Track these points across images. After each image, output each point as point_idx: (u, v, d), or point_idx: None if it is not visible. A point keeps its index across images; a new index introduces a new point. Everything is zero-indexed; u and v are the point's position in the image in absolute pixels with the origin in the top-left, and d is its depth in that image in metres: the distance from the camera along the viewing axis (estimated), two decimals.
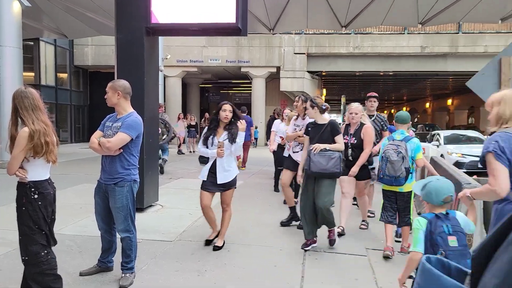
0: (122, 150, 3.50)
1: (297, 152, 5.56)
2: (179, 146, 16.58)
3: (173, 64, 21.38)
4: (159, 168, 10.54)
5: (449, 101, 34.52)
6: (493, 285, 0.70)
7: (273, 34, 14.01)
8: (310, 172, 4.39)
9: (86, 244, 4.56)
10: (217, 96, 29.32)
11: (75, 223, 5.44)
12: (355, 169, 4.98)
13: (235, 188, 4.59)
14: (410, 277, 2.38)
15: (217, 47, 21.79)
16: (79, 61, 22.88)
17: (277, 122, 7.93)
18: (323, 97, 28.97)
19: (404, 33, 20.72)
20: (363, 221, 5.55)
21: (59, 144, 3.02)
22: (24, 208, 2.81)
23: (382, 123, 6.02)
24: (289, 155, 5.78)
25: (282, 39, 21.66)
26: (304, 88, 21.45)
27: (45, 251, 2.88)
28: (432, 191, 2.35)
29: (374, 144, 5.65)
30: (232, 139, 4.36)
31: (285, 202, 6.76)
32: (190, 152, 16.48)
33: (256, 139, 20.78)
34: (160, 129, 10.12)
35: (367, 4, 9.53)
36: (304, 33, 21.42)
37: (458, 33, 20.40)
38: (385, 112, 54.96)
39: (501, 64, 4.20)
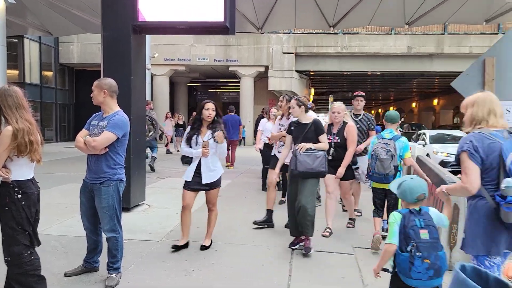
0: (108, 149, 3.46)
1: None
2: (166, 145, 16.49)
3: (160, 63, 21.22)
4: (150, 166, 10.57)
5: (435, 101, 34.98)
6: None
7: (262, 33, 14.01)
8: (296, 172, 4.35)
9: (72, 244, 4.50)
10: (205, 95, 29.19)
11: (60, 223, 5.37)
12: (341, 170, 4.99)
13: (220, 187, 4.55)
14: (385, 270, 2.51)
15: (205, 45, 21.71)
16: (65, 59, 22.57)
17: (263, 121, 7.93)
18: (311, 97, 29.12)
19: (391, 34, 20.93)
20: (350, 219, 5.56)
21: (43, 143, 2.97)
22: (7, 208, 2.76)
23: (369, 122, 6.03)
24: (275, 154, 5.74)
25: (270, 39, 21.68)
26: (293, 87, 21.51)
27: (28, 252, 2.83)
28: (407, 189, 2.50)
29: (359, 143, 5.69)
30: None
31: (280, 202, 6.77)
32: (178, 151, 16.39)
33: (243, 138, 20.80)
34: (146, 126, 10.09)
35: (355, 4, 9.59)
36: (293, 33, 21.48)
37: (444, 34, 20.68)
38: (372, 112, 55.46)
39: (485, 64, 4.27)
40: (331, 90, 32.81)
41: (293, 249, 4.52)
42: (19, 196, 2.77)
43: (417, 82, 27.79)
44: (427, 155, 12.04)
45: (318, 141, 4.50)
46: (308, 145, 4.38)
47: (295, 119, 4.74)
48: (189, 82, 27.42)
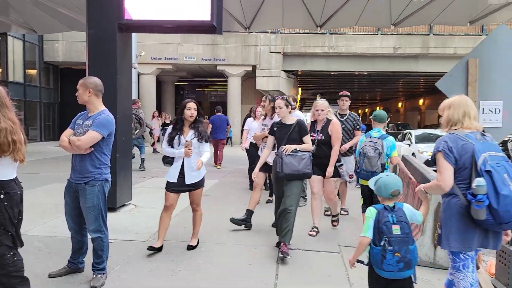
0: (93, 149, 3.43)
1: None
2: (152, 145, 16.37)
3: (147, 61, 21.05)
4: (140, 166, 10.57)
5: (421, 101, 35.41)
6: None
7: (249, 32, 13.99)
8: (282, 174, 4.27)
9: (56, 245, 4.44)
10: (192, 94, 29.07)
11: (45, 224, 5.29)
12: (330, 170, 4.98)
13: (203, 187, 4.47)
14: (360, 262, 2.64)
15: (192, 44, 21.60)
16: (49, 57, 22.22)
17: (249, 120, 7.93)
18: (299, 96, 29.25)
19: (377, 34, 21.12)
20: (333, 216, 5.48)
21: (27, 142, 2.92)
22: None
23: (354, 122, 6.04)
24: (259, 155, 5.63)
25: (258, 38, 21.69)
26: (280, 87, 21.55)
27: (11, 253, 2.78)
28: (382, 185, 2.63)
29: (344, 143, 5.72)
30: (200, 137, 4.25)
31: (267, 202, 6.78)
32: None
33: (229, 137, 20.80)
34: (133, 124, 10.05)
35: (342, 4, 9.64)
36: (280, 32, 21.52)
37: (429, 34, 20.95)
38: (359, 111, 55.92)
39: (468, 65, 4.33)
40: (319, 89, 33.00)
41: (280, 248, 4.52)
42: (2, 196, 2.72)
43: (403, 82, 28.10)
44: (413, 154, 12.19)
45: (302, 142, 4.47)
46: (293, 147, 4.32)
47: (278, 119, 4.69)
48: (176, 81, 27.27)
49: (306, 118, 6.71)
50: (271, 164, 4.74)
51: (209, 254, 4.36)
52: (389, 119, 38.85)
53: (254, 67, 21.92)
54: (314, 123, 5.21)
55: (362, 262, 2.63)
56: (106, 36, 5.79)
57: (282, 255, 4.16)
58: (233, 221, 5.25)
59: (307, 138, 4.50)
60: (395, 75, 24.44)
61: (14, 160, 2.78)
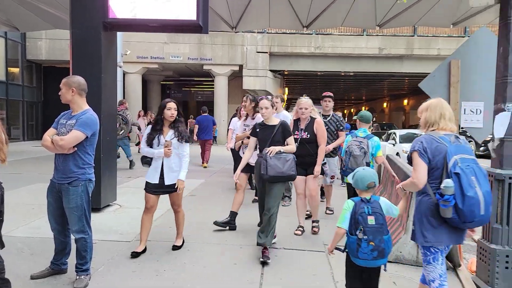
0: (76, 149, 3.39)
1: None
2: (137, 144, 16.23)
3: (133, 60, 20.86)
4: (133, 162, 10.54)
5: (405, 101, 35.86)
6: None
7: (236, 32, 13.98)
8: (267, 176, 4.17)
9: (38, 246, 4.37)
10: (179, 93, 28.92)
11: (27, 225, 5.21)
12: (318, 169, 4.96)
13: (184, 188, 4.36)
14: (338, 249, 2.85)
15: (178, 43, 21.47)
16: (32, 55, 21.84)
17: (235, 120, 7.91)
18: (285, 96, 29.34)
19: (363, 35, 21.31)
20: (314, 221, 5.33)
21: (8, 142, 2.88)
22: None
23: (337, 123, 6.03)
24: (241, 156, 5.57)
25: (244, 38, 21.68)
26: (267, 86, 21.59)
27: None
28: (359, 178, 2.83)
29: (327, 143, 5.74)
30: (180, 137, 4.18)
31: (253, 201, 6.78)
32: None
33: (215, 137, 20.75)
34: (118, 124, 9.99)
35: (328, 5, 9.70)
36: (267, 32, 21.55)
37: (413, 36, 21.23)
38: (345, 111, 56.38)
39: (451, 67, 4.41)
40: (305, 89, 33.14)
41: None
42: None
43: (388, 82, 28.41)
44: (397, 154, 12.35)
45: (285, 144, 4.41)
46: (277, 149, 4.25)
47: (261, 120, 4.64)
48: (162, 80, 27.08)
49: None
50: (253, 164, 4.69)
51: (195, 254, 4.35)
52: (374, 119, 39.37)
53: (241, 66, 21.91)
54: (297, 121, 5.15)
55: (339, 249, 2.83)
56: (90, 34, 5.72)
57: (263, 259, 4.12)
58: (217, 224, 5.22)
59: (291, 140, 4.46)
60: (380, 76, 24.72)
61: None
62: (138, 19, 5.81)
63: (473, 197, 2.51)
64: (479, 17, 9.69)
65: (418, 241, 2.79)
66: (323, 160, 5.12)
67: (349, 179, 2.96)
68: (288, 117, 6.17)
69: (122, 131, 10.13)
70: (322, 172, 5.11)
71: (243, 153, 5.52)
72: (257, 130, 4.52)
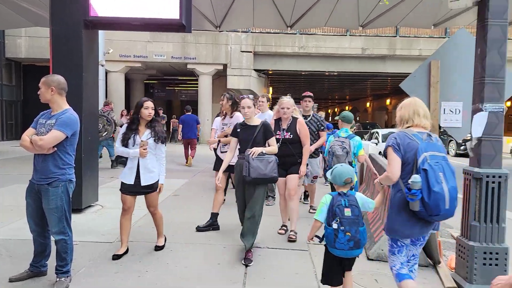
0: (56, 149, 3.33)
1: (225, 152, 5.24)
2: None
3: (115, 59, 20.60)
4: (115, 162, 10.41)
5: (388, 101, 36.34)
6: None
7: (220, 31, 13.94)
8: (250, 178, 4.07)
9: (17, 248, 4.29)
10: (162, 93, 28.69)
11: (6, 226, 5.10)
12: (303, 168, 4.90)
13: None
14: (317, 236, 3.01)
15: (162, 42, 21.30)
16: (11, 53, 21.33)
17: (218, 119, 7.87)
18: (270, 95, 29.35)
19: (346, 35, 21.50)
20: (283, 225, 5.21)
21: None
22: None
23: (318, 123, 5.95)
24: (218, 156, 5.49)
25: (229, 37, 21.64)
26: (251, 86, 21.59)
27: None
28: (336, 174, 3.01)
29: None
30: (157, 137, 4.11)
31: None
32: None
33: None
34: (101, 125, 9.87)
35: (311, 5, 9.76)
36: (251, 32, 21.55)
37: (396, 36, 21.52)
38: (329, 110, 56.80)
39: (430, 67, 4.49)
40: (289, 89, 33.26)
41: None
42: None
43: (371, 82, 28.75)
44: (380, 153, 12.49)
45: (267, 144, 4.33)
46: (260, 150, 4.15)
47: (240, 118, 4.56)
48: (145, 79, 26.81)
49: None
50: (233, 164, 4.60)
51: (178, 254, 4.33)
52: (357, 118, 39.76)
53: (225, 66, 21.86)
54: (278, 121, 5.07)
55: (318, 237, 3.00)
56: (71, 32, 5.62)
57: (244, 263, 4.10)
58: (200, 230, 5.17)
59: (273, 141, 4.35)
60: (363, 76, 24.99)
61: None
62: (120, 18, 5.73)
63: (439, 192, 2.63)
64: (459, 19, 9.89)
65: (391, 235, 2.92)
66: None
67: (328, 175, 3.13)
68: (272, 116, 6.17)
69: (106, 132, 10.01)
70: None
71: (221, 152, 5.48)
72: (238, 130, 4.40)
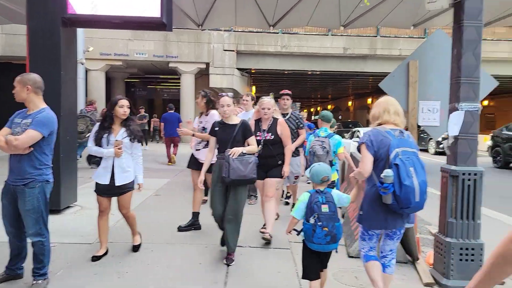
0: (32, 149, 3.26)
1: (199, 150, 5.26)
2: None
3: (95, 57, 20.24)
4: (87, 162, 10.24)
5: (369, 100, 36.74)
6: None
7: (202, 30, 13.86)
8: (229, 179, 3.97)
9: None
10: (144, 91, 28.39)
11: None
12: (286, 169, 4.83)
13: (133, 190, 4.18)
14: (295, 230, 3.10)
15: (143, 40, 21.06)
16: None
17: (197, 119, 7.83)
18: (253, 94, 29.34)
19: (328, 35, 21.64)
20: (264, 226, 5.03)
21: None
22: None
23: (297, 121, 5.85)
24: (192, 154, 5.39)
25: (211, 36, 21.53)
26: (234, 85, 21.54)
27: None
28: (314, 173, 3.09)
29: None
30: (132, 136, 4.01)
31: (203, 202, 6.70)
32: None
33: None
34: (84, 125, 9.72)
35: (293, 5, 9.80)
36: (234, 31, 21.49)
37: (376, 36, 21.79)
38: (312, 109, 57.16)
39: (409, 67, 4.56)
40: (272, 88, 33.32)
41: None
42: None
43: (352, 81, 29.04)
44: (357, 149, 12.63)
45: (246, 144, 4.22)
46: (240, 150, 4.04)
47: (216, 117, 4.47)
48: (127, 78, 26.45)
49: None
50: (202, 161, 4.47)
51: (158, 254, 4.30)
52: (340, 117, 40.04)
53: (208, 64, 21.74)
54: (258, 122, 4.96)
55: (296, 230, 3.09)
56: (49, 30, 5.51)
57: (226, 262, 4.08)
58: (182, 230, 5.13)
59: (252, 140, 4.25)
60: (345, 75, 25.21)
61: None
62: (99, 15, 5.62)
63: (409, 186, 2.77)
64: (437, 19, 10.06)
65: (364, 225, 3.10)
66: None
67: (306, 174, 3.27)
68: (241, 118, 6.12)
69: (90, 133, 9.88)
70: (281, 176, 4.90)
71: (196, 150, 5.37)
72: (216, 129, 4.27)
